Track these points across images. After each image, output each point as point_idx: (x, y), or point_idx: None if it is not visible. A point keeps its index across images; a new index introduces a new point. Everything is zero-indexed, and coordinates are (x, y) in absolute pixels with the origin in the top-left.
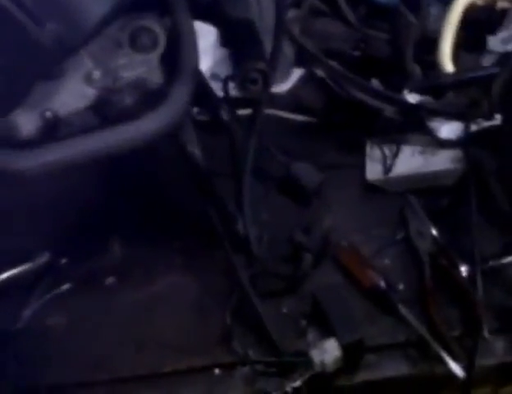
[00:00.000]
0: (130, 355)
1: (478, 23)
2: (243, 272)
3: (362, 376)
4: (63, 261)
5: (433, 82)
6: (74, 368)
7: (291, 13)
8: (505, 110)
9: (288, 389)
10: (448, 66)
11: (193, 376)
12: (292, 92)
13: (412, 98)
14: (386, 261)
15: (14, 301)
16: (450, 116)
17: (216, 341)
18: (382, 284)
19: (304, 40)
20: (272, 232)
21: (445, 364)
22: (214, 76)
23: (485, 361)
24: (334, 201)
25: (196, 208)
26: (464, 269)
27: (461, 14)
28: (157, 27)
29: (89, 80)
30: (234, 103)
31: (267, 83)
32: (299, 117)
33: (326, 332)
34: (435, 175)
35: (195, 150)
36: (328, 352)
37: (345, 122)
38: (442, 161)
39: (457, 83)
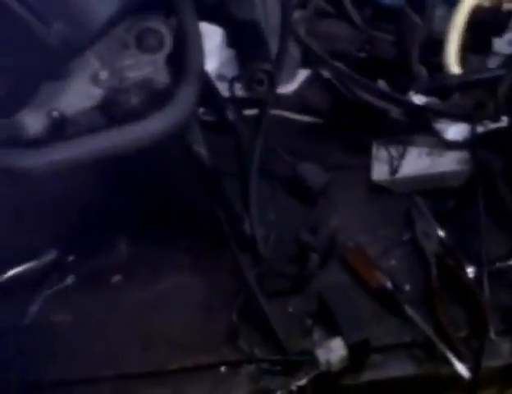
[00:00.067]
0: (137, 352)
1: (484, 25)
2: (249, 272)
3: (367, 376)
4: (70, 259)
5: (439, 83)
6: (80, 364)
7: (297, 14)
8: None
9: (293, 388)
10: (454, 67)
11: (199, 374)
12: (298, 93)
13: (418, 99)
14: (393, 262)
15: (21, 298)
16: (457, 117)
17: (222, 339)
18: (389, 284)
19: (310, 41)
20: (278, 232)
21: (451, 364)
22: (220, 77)
23: (491, 362)
24: (340, 201)
25: (203, 208)
26: (470, 270)
27: (467, 16)
28: (163, 28)
29: (95, 80)
30: (240, 104)
31: (273, 84)
32: (305, 118)
33: (332, 331)
34: (441, 176)
35: (201, 150)
36: (334, 351)
37: (351, 123)
38: (449, 162)
39: (463, 84)
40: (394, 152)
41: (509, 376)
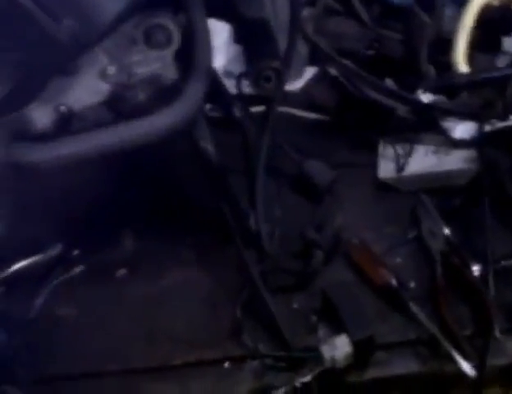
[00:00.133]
0: (141, 347)
1: (493, 24)
2: (254, 268)
3: (372, 373)
4: (75, 252)
5: (447, 82)
6: (84, 358)
7: (305, 12)
8: None
9: (297, 384)
10: (462, 66)
11: (203, 369)
12: (305, 90)
13: (426, 97)
14: (398, 259)
15: (26, 291)
16: (464, 116)
17: (226, 334)
18: (394, 282)
19: (318, 39)
20: (283, 229)
21: (455, 362)
22: (227, 74)
23: (496, 361)
24: (346, 199)
25: (208, 204)
26: (476, 269)
27: (476, 14)
28: (171, 24)
29: (103, 75)
30: (247, 101)
31: (281, 81)
32: (312, 115)
33: (337, 328)
34: (448, 174)
35: (208, 146)
36: (339, 348)
37: (358, 121)
38: (455, 161)
39: (471, 83)
40: (400, 150)
41: None
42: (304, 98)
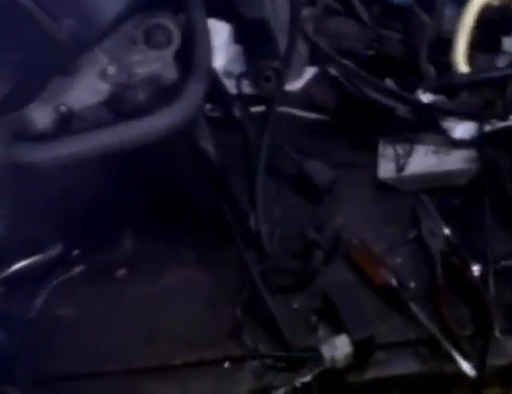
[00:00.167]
0: (141, 347)
1: (493, 24)
2: (254, 268)
3: (372, 373)
4: (75, 252)
5: (447, 82)
6: (84, 358)
7: (305, 12)
8: None
9: (297, 384)
10: (462, 66)
11: (202, 369)
12: (305, 90)
13: (426, 97)
14: (398, 259)
15: (26, 291)
16: (464, 116)
17: (226, 334)
18: (394, 282)
19: (318, 39)
20: (283, 229)
21: (455, 363)
22: (227, 74)
23: (496, 361)
24: (346, 199)
25: (208, 204)
26: (476, 269)
27: (476, 14)
28: (171, 24)
29: (103, 75)
30: (247, 101)
31: (281, 81)
32: (312, 115)
33: (337, 328)
34: (448, 174)
35: (208, 146)
36: (339, 348)
37: (358, 121)
38: (455, 161)
39: (471, 83)
40: (400, 150)
41: None
42: (304, 98)
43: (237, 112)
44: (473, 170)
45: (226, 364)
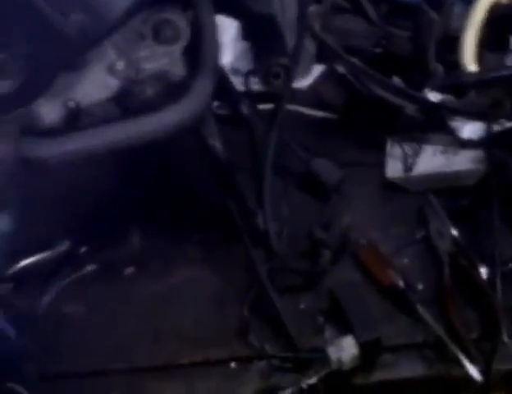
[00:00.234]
0: (147, 345)
1: (502, 22)
2: (262, 267)
3: (378, 375)
4: (83, 250)
5: (455, 81)
6: (91, 356)
7: (312, 9)
8: None
9: (303, 385)
10: (471, 65)
11: (209, 368)
12: (312, 88)
13: (433, 96)
14: (405, 260)
15: (34, 288)
16: (472, 115)
17: (233, 334)
18: (401, 283)
19: (325, 36)
20: (291, 228)
21: (462, 366)
22: (234, 71)
23: (503, 365)
24: (354, 198)
25: (216, 202)
26: (483, 271)
27: (485, 13)
28: (180, 20)
29: (111, 70)
30: (255, 98)
31: (290, 78)
32: (320, 114)
33: (344, 329)
34: (456, 175)
35: (216, 143)
36: (345, 350)
37: (366, 119)
38: (464, 161)
39: (479, 82)
40: (408, 149)
41: None
42: (312, 96)
43: (245, 109)
44: (482, 170)
45: (233, 364)
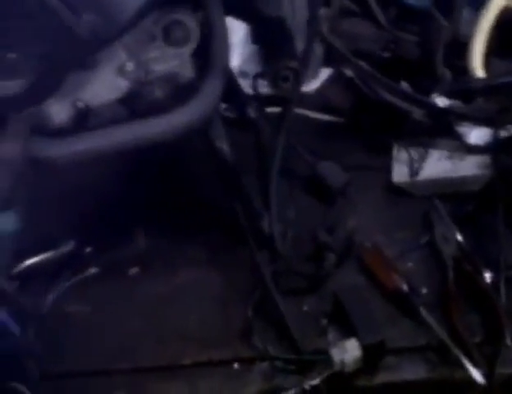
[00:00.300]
0: (151, 345)
1: (511, 28)
2: (266, 269)
3: (381, 377)
4: (88, 250)
5: (463, 86)
6: (94, 356)
7: (321, 12)
8: None
9: (306, 387)
10: (479, 71)
11: (212, 369)
12: (320, 91)
13: (441, 101)
14: (410, 264)
15: (39, 287)
16: (479, 121)
17: (236, 335)
18: (405, 287)
19: (334, 39)
20: (296, 230)
21: (464, 369)
22: (242, 73)
23: (506, 369)
24: (359, 202)
25: (222, 204)
26: (487, 276)
27: (494, 19)
28: (190, 21)
29: (121, 71)
30: (263, 101)
31: (299, 81)
32: (327, 117)
33: (347, 331)
34: (462, 180)
35: (224, 146)
36: (348, 352)
37: (373, 123)
38: (470, 166)
39: (487, 88)
40: (415, 154)
41: None
42: (319, 100)
43: (252, 112)
44: (487, 176)
45: (236, 365)
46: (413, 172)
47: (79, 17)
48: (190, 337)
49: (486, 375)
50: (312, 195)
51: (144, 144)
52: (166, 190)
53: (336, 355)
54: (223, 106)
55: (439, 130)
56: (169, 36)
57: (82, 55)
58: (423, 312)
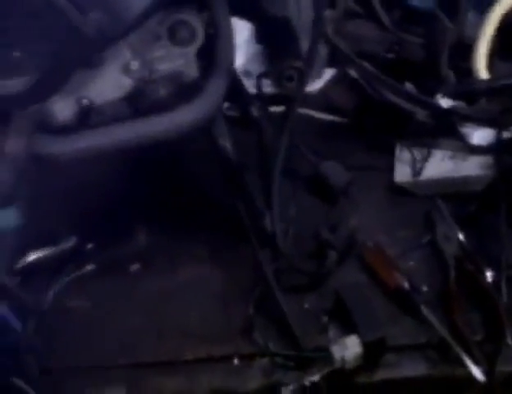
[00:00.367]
0: (152, 341)
1: None
2: (268, 266)
3: (381, 375)
4: (89, 246)
5: (467, 88)
6: (95, 351)
7: (326, 13)
8: None
9: (306, 383)
10: (483, 72)
11: (212, 364)
12: (323, 92)
13: (445, 102)
14: (411, 263)
15: (41, 283)
16: (483, 122)
17: (237, 331)
18: (406, 285)
19: (338, 41)
20: (298, 229)
21: (465, 367)
22: (246, 73)
23: (506, 367)
24: (361, 201)
25: (224, 201)
26: (489, 275)
27: (498, 21)
28: (195, 21)
29: (126, 70)
30: (266, 100)
31: (303, 81)
32: (330, 117)
33: (348, 329)
34: (464, 180)
35: (227, 144)
36: (349, 349)
37: (376, 124)
38: (472, 166)
39: (491, 90)
40: (417, 154)
41: None
42: (322, 100)
43: (255, 111)
44: (490, 176)
45: (236, 361)
46: (416, 172)
47: (85, 16)
48: (191, 333)
49: (486, 373)
50: (314, 195)
51: (147, 142)
52: (168, 187)
53: (337, 351)
54: (226, 105)
55: (442, 131)
56: (174, 36)
57: (88, 53)
58: (424, 310)
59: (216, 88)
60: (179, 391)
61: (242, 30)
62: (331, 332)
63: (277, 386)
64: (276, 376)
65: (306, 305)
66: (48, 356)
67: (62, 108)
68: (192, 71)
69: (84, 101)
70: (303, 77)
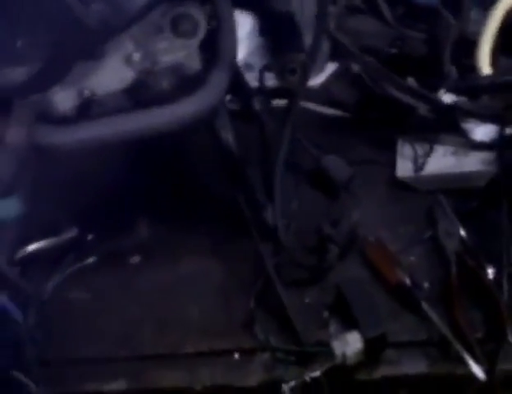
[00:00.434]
0: (152, 334)
1: None
2: (269, 260)
3: (382, 371)
4: (90, 237)
5: (469, 83)
6: (95, 343)
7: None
8: None
9: (307, 378)
10: (486, 68)
11: (213, 358)
12: (325, 86)
13: (447, 98)
14: (412, 259)
15: (41, 273)
16: (485, 118)
17: (238, 325)
18: (408, 281)
19: (340, 35)
20: (300, 223)
21: (465, 365)
22: (247, 66)
23: (507, 366)
24: (363, 196)
25: (225, 194)
26: (490, 271)
27: (502, 17)
28: (198, 14)
29: (128, 62)
30: (268, 93)
31: (306, 74)
32: (332, 111)
33: (349, 324)
34: (466, 176)
35: (229, 136)
36: (350, 344)
37: (378, 118)
38: (474, 162)
39: (493, 85)
40: (419, 149)
41: None
42: (324, 94)
43: (257, 104)
44: (492, 172)
45: (237, 355)
46: (418, 168)
47: (88, 7)
48: (192, 326)
49: (487, 371)
50: (316, 189)
51: (148, 133)
52: (170, 179)
53: (338, 347)
54: (228, 98)
55: (444, 126)
56: (177, 28)
57: (90, 44)
58: (425, 306)
59: (218, 80)
60: (179, 384)
61: (244, 23)
62: (332, 328)
63: (278, 382)
64: (277, 371)
65: (307, 300)
66: (47, 348)
67: (64, 99)
68: (194, 63)
69: (86, 92)
70: (305, 71)
